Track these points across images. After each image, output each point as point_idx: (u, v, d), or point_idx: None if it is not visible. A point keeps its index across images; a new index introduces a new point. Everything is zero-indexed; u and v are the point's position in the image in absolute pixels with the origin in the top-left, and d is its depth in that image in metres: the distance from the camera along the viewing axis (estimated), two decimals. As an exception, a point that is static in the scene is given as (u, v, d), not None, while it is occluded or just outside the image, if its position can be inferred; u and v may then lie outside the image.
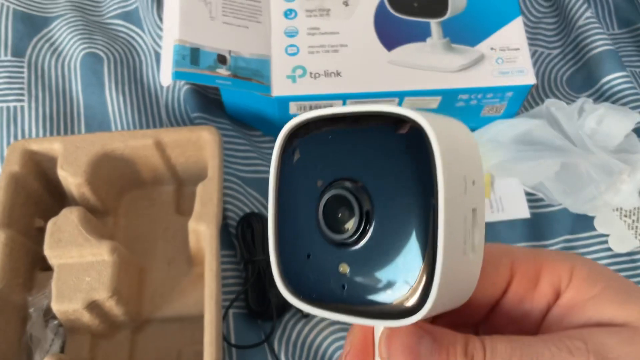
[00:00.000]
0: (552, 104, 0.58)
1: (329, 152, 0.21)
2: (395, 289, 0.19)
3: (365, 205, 0.20)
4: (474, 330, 0.25)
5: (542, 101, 0.60)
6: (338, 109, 0.21)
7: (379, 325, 0.21)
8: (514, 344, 0.20)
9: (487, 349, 0.20)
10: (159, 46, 0.63)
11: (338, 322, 0.51)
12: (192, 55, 0.51)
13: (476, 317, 0.25)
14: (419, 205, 0.19)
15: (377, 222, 0.20)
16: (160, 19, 0.63)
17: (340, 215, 0.20)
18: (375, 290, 0.20)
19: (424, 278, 0.19)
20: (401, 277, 0.19)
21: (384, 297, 0.20)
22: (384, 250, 0.20)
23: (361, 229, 0.20)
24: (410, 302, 0.19)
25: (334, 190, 0.21)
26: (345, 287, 0.20)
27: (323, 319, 0.51)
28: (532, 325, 0.23)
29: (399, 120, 0.20)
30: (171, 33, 0.53)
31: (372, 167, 0.20)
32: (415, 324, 0.20)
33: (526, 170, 0.56)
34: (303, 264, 0.22)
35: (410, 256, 0.19)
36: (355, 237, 0.20)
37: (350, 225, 0.20)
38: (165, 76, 0.52)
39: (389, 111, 0.20)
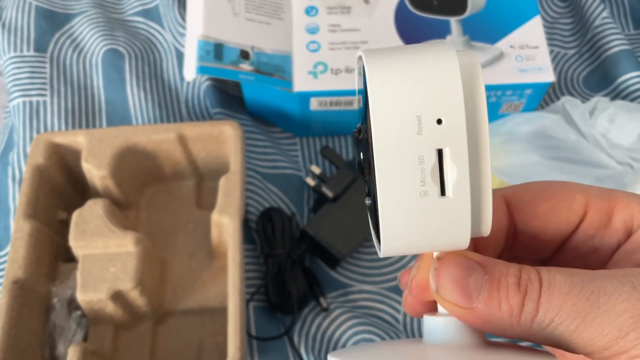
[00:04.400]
0: (567, 101, 0.58)
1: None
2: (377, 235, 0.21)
3: (362, 150, 0.21)
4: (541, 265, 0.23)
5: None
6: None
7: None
8: (574, 277, 0.18)
9: (544, 280, 0.18)
10: (180, 43, 0.64)
11: (357, 317, 0.51)
12: (215, 50, 0.51)
13: (544, 253, 0.24)
14: (369, 148, 0.20)
15: (370, 166, 0.21)
16: (182, 17, 0.64)
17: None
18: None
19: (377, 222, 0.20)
20: (374, 221, 0.21)
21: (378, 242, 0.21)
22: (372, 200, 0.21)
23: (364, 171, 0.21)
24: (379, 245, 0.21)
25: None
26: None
27: (342, 313, 0.51)
28: (600, 262, 0.22)
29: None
30: (195, 29, 0.53)
31: (364, 112, 0.21)
32: (465, 254, 0.20)
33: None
34: None
35: (371, 203, 0.20)
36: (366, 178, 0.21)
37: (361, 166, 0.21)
38: (188, 71, 0.52)
39: (360, 53, 0.21)
